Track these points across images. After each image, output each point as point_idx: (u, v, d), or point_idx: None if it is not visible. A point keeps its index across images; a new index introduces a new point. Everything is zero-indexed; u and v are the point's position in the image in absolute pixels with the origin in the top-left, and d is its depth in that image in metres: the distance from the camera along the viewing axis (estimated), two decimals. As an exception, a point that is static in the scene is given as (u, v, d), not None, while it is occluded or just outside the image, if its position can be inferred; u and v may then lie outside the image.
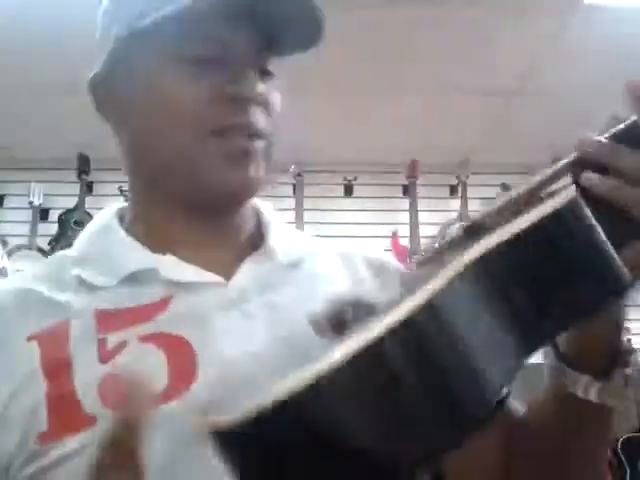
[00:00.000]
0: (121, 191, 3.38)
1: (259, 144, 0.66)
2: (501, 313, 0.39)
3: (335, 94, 2.64)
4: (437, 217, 3.36)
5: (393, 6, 2.27)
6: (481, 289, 0.39)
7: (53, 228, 3.28)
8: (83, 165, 3.32)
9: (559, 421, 0.63)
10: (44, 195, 3.31)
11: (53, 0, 2.26)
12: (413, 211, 3.28)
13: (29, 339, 0.63)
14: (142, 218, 0.72)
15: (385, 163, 3.32)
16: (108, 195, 3.42)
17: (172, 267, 0.66)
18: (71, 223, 3.27)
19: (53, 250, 3.21)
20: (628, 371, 0.58)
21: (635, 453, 2.91)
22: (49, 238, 3.26)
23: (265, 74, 0.68)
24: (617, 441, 2.90)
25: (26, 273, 0.75)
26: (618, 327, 0.59)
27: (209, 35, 0.64)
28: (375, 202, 3.44)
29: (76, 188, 3.33)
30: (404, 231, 3.27)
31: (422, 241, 3.28)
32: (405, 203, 3.34)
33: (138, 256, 0.67)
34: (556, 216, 0.42)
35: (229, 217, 0.72)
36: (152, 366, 0.61)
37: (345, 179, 3.39)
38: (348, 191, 3.42)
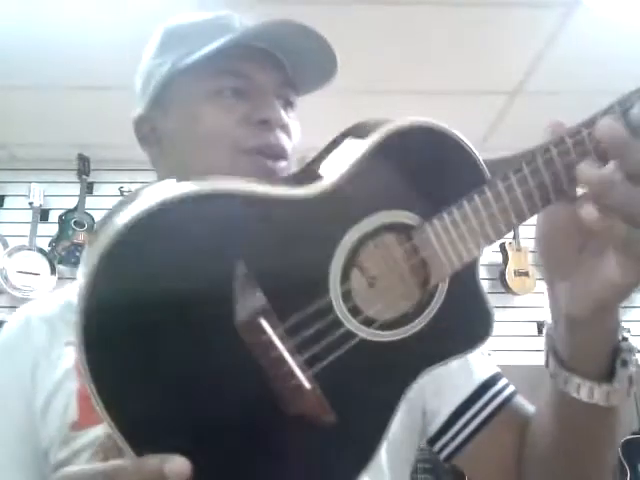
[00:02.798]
0: (121, 192, 3.39)
1: (281, 164, 0.75)
2: None
3: (333, 95, 2.64)
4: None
5: (391, 5, 2.27)
6: None
7: (53, 229, 3.28)
8: (83, 166, 3.33)
9: (565, 425, 0.65)
10: (44, 196, 3.31)
11: (54, 2, 2.25)
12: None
13: (67, 344, 0.74)
14: None
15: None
16: (108, 196, 3.43)
17: None
18: (71, 224, 3.27)
19: (53, 250, 3.21)
20: (632, 369, 0.58)
21: (635, 455, 2.91)
22: (49, 239, 3.26)
23: (288, 105, 0.79)
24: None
25: (70, 287, 0.84)
26: (616, 327, 0.59)
27: (240, 71, 0.75)
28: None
29: (76, 189, 3.34)
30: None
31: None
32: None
33: None
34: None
35: None
36: None
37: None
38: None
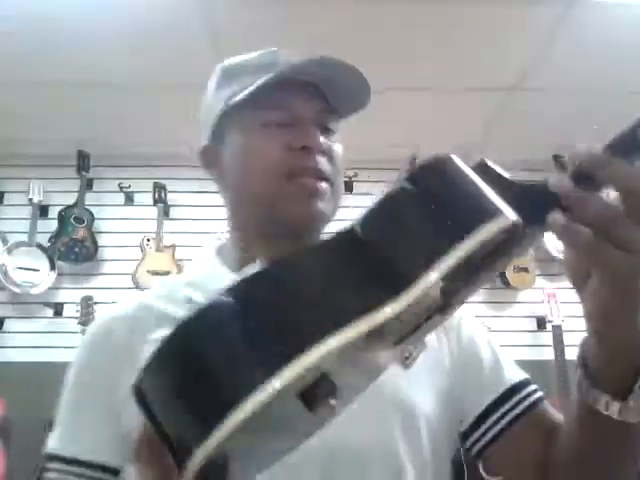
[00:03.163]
0: (120, 188, 3.40)
1: (323, 184, 0.84)
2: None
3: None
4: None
5: (389, 1, 2.27)
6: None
7: (53, 225, 3.29)
8: (83, 162, 3.33)
9: (586, 433, 0.69)
10: (44, 192, 3.31)
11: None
12: (413, 208, 3.28)
13: (148, 343, 0.79)
14: (234, 251, 0.92)
15: (385, 160, 3.32)
16: (108, 191, 3.43)
17: None
18: (71, 220, 3.27)
19: (53, 247, 3.21)
20: None
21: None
22: (49, 235, 3.26)
23: (327, 131, 0.88)
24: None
25: (149, 292, 0.94)
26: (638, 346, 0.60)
27: (283, 104, 0.85)
28: (375, 198, 3.44)
29: (76, 185, 3.34)
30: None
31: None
32: (405, 200, 3.33)
33: (226, 281, 0.79)
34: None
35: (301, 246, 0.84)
36: None
37: (345, 176, 3.38)
38: (348, 188, 3.42)
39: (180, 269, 3.23)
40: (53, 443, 0.84)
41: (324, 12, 2.30)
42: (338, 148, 0.89)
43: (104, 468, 0.80)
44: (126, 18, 2.33)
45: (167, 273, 3.21)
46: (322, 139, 0.85)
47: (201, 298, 0.84)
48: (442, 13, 2.32)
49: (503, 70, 2.69)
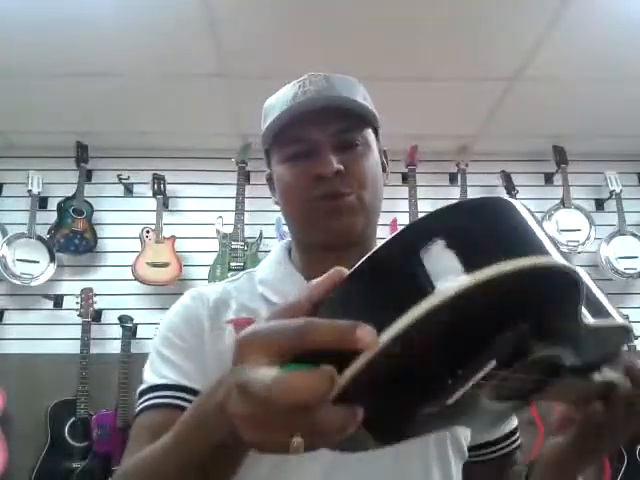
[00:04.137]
0: (119, 179, 3.39)
1: (346, 200, 0.91)
2: None
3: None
4: (436, 205, 3.35)
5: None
6: None
7: (52, 216, 3.28)
8: (82, 153, 3.32)
9: None
10: (43, 183, 3.31)
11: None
12: (412, 199, 3.29)
13: (228, 322, 0.93)
14: (297, 256, 1.02)
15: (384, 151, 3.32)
16: (107, 183, 3.43)
17: None
18: (70, 211, 3.27)
19: (52, 238, 3.21)
20: None
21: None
22: (48, 226, 3.26)
23: (348, 148, 0.94)
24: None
25: (226, 283, 1.03)
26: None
27: (300, 137, 0.93)
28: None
29: (75, 176, 3.33)
30: (403, 219, 3.27)
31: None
32: (404, 191, 3.34)
33: (298, 286, 0.94)
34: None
35: (352, 256, 0.91)
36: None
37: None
38: (347, 179, 3.42)
39: (179, 261, 3.24)
40: (152, 377, 0.90)
41: (323, 4, 2.29)
42: (365, 158, 0.95)
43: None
44: (124, 8, 2.32)
45: (166, 265, 3.21)
46: (337, 160, 0.91)
47: (275, 297, 0.94)
48: (441, 3, 2.31)
49: (503, 60, 2.67)
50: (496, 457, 1.00)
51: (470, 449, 0.97)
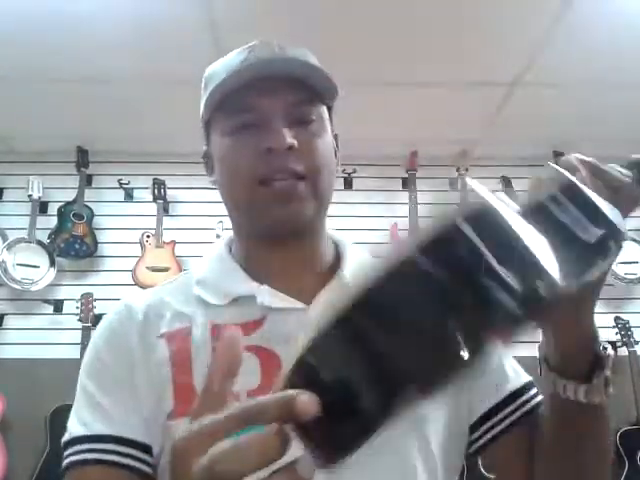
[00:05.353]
0: (120, 184, 3.39)
1: (301, 185, 0.82)
2: None
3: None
4: (437, 210, 3.36)
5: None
6: None
7: (52, 221, 3.28)
8: (82, 158, 3.33)
9: (559, 422, 0.77)
10: (43, 188, 3.30)
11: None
12: (413, 204, 3.29)
13: (159, 337, 0.84)
14: (240, 249, 0.93)
15: (385, 156, 3.32)
16: (107, 188, 3.43)
17: (266, 295, 0.84)
18: (70, 216, 3.27)
19: (52, 243, 3.21)
20: (607, 372, 0.71)
21: (633, 446, 2.92)
22: (48, 231, 3.26)
23: (303, 123, 0.84)
24: (616, 434, 2.91)
25: (162, 287, 0.95)
26: (592, 336, 0.71)
27: (248, 105, 0.82)
28: (375, 195, 3.44)
29: (75, 181, 3.33)
30: (404, 224, 3.27)
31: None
32: (405, 196, 3.34)
33: (242, 285, 0.87)
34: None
35: (299, 248, 0.88)
36: (250, 369, 0.78)
37: (345, 172, 3.39)
38: (348, 184, 3.42)
39: (180, 265, 3.23)
40: (77, 426, 0.80)
41: (323, 9, 2.29)
42: (320, 138, 0.85)
43: (136, 444, 0.79)
44: (125, 14, 2.32)
45: (167, 269, 3.21)
46: (290, 135, 0.81)
47: (213, 299, 0.87)
48: (441, 7, 2.31)
49: (503, 65, 2.68)
50: (507, 426, 0.85)
51: (474, 428, 0.86)
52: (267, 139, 0.80)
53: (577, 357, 0.71)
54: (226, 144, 0.85)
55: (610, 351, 0.71)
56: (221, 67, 0.86)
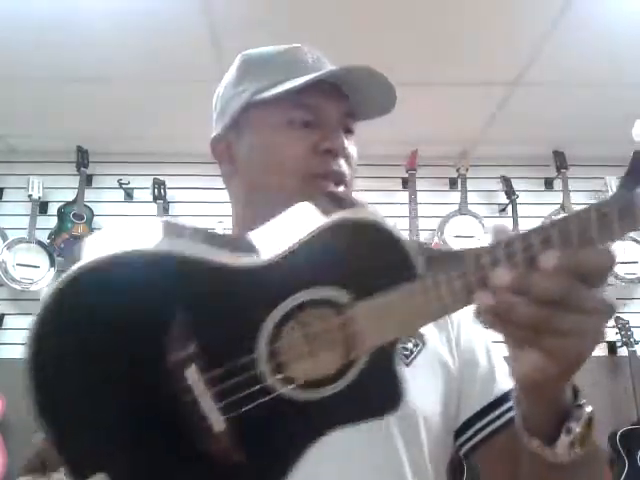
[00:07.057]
0: (120, 184, 3.39)
1: (341, 189, 0.85)
2: None
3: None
4: (436, 210, 3.36)
5: (393, -2, 2.27)
6: None
7: (52, 221, 3.28)
8: (82, 158, 3.32)
9: (531, 471, 0.71)
10: (43, 188, 3.31)
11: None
12: (412, 204, 3.28)
13: None
14: None
15: (384, 156, 3.32)
16: (107, 188, 3.42)
17: None
18: (70, 216, 3.27)
19: (52, 243, 3.21)
20: (575, 428, 0.63)
21: (633, 446, 2.92)
22: (48, 231, 3.26)
23: (349, 132, 0.89)
24: (616, 434, 2.91)
25: None
26: (559, 399, 0.63)
27: (310, 105, 0.85)
28: (374, 195, 3.43)
29: (75, 181, 3.33)
30: (403, 224, 3.27)
31: (421, 234, 3.28)
32: (404, 196, 3.34)
33: None
34: None
35: None
36: None
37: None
38: (348, 184, 3.42)
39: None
40: None
41: (325, 9, 2.29)
42: (354, 150, 0.90)
43: None
44: (125, 14, 2.32)
45: (167, 269, 3.20)
46: (345, 142, 0.86)
47: None
48: (442, 8, 2.31)
49: (503, 65, 2.68)
50: (494, 430, 0.83)
51: (460, 432, 0.85)
52: (330, 141, 0.84)
53: (541, 418, 0.64)
54: (278, 135, 0.86)
55: (587, 408, 0.63)
56: (275, 59, 0.89)
